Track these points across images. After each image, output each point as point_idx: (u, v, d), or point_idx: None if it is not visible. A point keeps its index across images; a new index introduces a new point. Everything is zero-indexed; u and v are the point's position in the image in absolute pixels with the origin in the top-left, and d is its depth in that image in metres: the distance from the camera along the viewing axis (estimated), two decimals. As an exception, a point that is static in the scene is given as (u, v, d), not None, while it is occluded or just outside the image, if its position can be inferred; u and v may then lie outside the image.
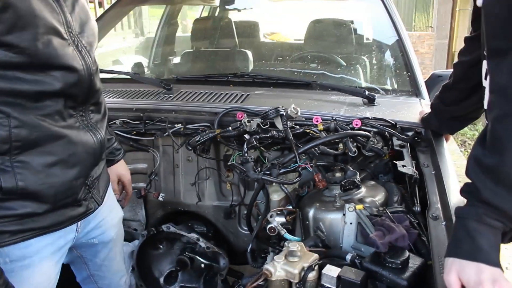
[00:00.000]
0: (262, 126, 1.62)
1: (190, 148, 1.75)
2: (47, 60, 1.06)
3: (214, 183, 2.06)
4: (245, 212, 1.86)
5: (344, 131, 1.58)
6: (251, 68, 2.83)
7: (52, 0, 1.09)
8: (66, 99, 1.14)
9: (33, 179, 1.09)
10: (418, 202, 1.37)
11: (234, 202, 2.01)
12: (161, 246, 2.10)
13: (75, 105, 1.18)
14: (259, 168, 1.53)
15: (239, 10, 2.91)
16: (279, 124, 1.61)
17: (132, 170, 2.11)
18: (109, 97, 2.08)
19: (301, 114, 1.64)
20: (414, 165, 1.50)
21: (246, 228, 1.96)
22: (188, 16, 5.28)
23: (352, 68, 2.56)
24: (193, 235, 1.93)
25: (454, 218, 1.06)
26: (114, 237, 1.54)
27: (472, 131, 5.84)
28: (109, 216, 1.49)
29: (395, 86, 2.29)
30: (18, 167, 1.06)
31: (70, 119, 1.17)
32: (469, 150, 4.56)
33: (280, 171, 1.49)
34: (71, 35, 1.14)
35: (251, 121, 1.63)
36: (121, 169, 1.68)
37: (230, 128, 1.68)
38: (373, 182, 1.56)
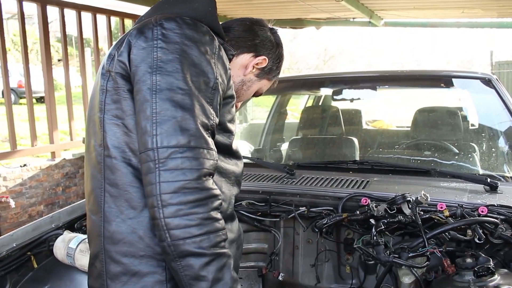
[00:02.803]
0: (389, 211, 1.70)
1: (317, 230, 1.85)
2: (237, 147, 1.32)
3: (333, 266, 2.12)
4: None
5: (473, 218, 1.61)
6: (357, 154, 2.94)
7: None
8: (239, 184, 1.35)
9: None
10: None
11: (354, 286, 2.04)
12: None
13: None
14: (387, 252, 1.59)
15: (351, 101, 3.10)
16: (405, 210, 1.68)
17: (253, 249, 2.25)
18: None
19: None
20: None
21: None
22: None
23: (469, 155, 2.58)
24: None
25: None
26: None
27: None
28: None
29: (516, 173, 2.28)
30: None
31: None
32: None
33: (410, 255, 1.54)
34: None
35: (378, 206, 1.72)
36: None
37: (357, 212, 1.78)
38: (505, 270, 1.55)
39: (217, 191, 1.09)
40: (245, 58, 1.43)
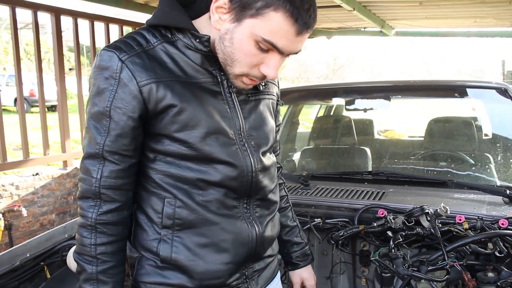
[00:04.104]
0: (407, 223, 1.68)
1: (333, 242, 1.83)
2: (209, 154, 1.23)
3: (348, 278, 2.09)
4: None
5: (494, 231, 1.58)
6: (370, 165, 2.92)
7: (228, 106, 1.27)
8: (227, 190, 1.27)
9: (185, 254, 1.24)
10: None
11: (369, 298, 2.01)
12: None
13: (237, 196, 1.29)
14: (406, 265, 1.56)
15: (365, 111, 3.08)
16: (424, 222, 1.66)
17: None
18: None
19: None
20: None
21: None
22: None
23: (486, 166, 2.55)
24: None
25: None
26: None
27: None
28: None
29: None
30: (175, 241, 1.24)
31: (232, 209, 1.29)
32: None
33: (429, 268, 1.51)
34: (240, 136, 1.28)
35: (396, 219, 1.69)
36: (305, 274, 1.66)
37: (374, 224, 1.75)
38: (528, 285, 1.51)
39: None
40: (210, 13, 1.17)
